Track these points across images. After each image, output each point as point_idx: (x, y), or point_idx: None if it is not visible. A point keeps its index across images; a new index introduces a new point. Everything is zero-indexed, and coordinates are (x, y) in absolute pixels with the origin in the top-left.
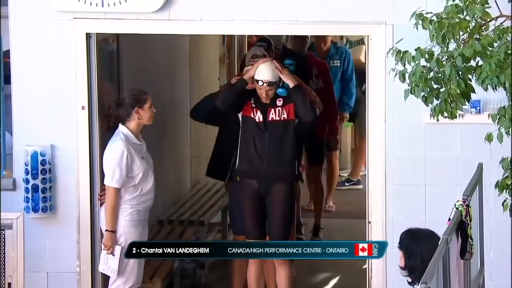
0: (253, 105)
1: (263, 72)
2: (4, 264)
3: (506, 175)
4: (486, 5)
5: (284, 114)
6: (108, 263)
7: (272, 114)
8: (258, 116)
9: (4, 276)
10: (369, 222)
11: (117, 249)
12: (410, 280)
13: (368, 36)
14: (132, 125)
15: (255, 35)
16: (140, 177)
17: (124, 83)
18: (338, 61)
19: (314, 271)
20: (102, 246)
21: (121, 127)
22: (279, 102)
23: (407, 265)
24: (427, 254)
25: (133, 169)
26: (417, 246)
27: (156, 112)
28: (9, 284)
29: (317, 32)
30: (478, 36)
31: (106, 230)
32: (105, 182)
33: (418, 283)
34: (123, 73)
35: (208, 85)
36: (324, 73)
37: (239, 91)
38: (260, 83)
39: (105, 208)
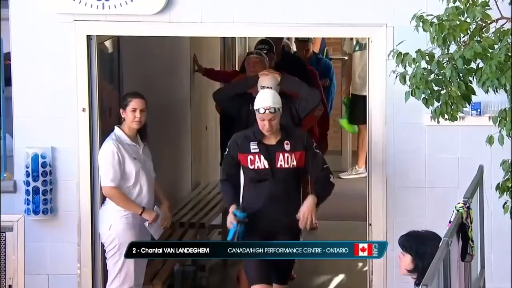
0: (254, 150)
1: (263, 98)
2: (4, 267)
3: (506, 177)
4: (486, 7)
5: (293, 162)
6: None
7: (281, 161)
8: (263, 163)
9: (5, 278)
10: (370, 224)
11: (112, 252)
12: (418, 281)
13: (368, 38)
14: (125, 126)
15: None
16: (133, 178)
17: (125, 85)
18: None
19: (315, 273)
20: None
21: (115, 129)
22: (287, 146)
23: (418, 267)
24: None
25: (124, 169)
26: (426, 246)
27: (156, 115)
28: (10, 286)
29: (318, 34)
30: (478, 38)
31: (140, 214)
32: (102, 184)
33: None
34: (124, 75)
35: (209, 87)
36: (312, 80)
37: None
38: (262, 110)
39: (119, 205)
